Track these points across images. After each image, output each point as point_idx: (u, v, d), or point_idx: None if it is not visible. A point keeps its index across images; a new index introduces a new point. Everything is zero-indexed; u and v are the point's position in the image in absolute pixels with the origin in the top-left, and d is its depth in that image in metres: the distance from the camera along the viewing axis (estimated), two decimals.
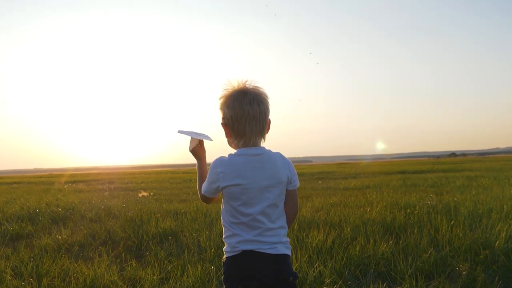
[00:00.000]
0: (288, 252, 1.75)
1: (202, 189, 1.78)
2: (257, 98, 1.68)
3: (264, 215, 1.68)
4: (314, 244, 4.19)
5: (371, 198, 8.01)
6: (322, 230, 4.82)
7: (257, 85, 1.73)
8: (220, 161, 1.69)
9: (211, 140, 1.87)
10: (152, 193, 11.94)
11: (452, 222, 4.92)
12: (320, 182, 15.88)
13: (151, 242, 4.91)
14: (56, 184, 20.61)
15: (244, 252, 1.68)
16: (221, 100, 1.72)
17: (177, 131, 1.85)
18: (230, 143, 1.77)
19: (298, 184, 1.78)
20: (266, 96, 1.72)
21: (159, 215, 6.69)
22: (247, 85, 1.72)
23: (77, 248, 4.81)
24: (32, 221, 6.74)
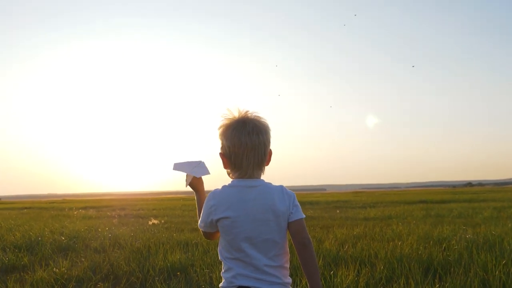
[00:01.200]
0: None
1: (199, 224, 1.68)
2: (256, 128, 1.59)
3: (258, 250, 1.56)
4: (344, 286, 3.60)
5: (398, 230, 7.36)
6: (352, 267, 4.23)
7: (259, 115, 1.64)
8: (213, 193, 1.62)
9: (209, 173, 1.78)
10: (163, 221, 11.41)
11: (505, 261, 4.27)
12: (338, 211, 15.17)
13: (157, 278, 4.36)
14: (66, 210, 20.27)
15: None
16: (220, 130, 1.64)
17: (173, 166, 1.76)
18: (228, 174, 1.66)
19: (301, 215, 1.60)
20: (267, 126, 1.63)
21: (168, 246, 6.15)
22: (248, 115, 1.63)
23: (73, 284, 4.28)
24: (32, 250, 6.25)
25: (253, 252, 1.55)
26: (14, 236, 7.45)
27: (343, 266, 4.29)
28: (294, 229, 1.59)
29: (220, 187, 1.64)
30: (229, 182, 1.63)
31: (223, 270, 1.63)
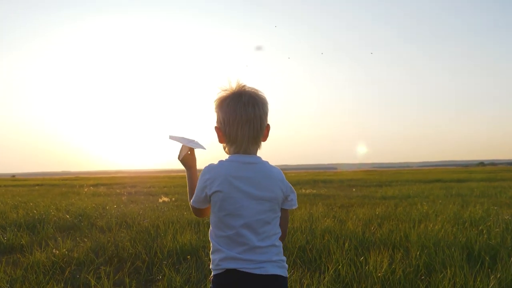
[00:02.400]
0: (281, 272, 1.55)
1: (191, 200, 1.64)
2: (252, 100, 1.54)
3: (250, 230, 1.52)
4: (380, 275, 3.12)
5: (423, 210, 6.84)
6: (384, 252, 3.74)
7: (257, 88, 1.59)
8: (209, 167, 1.56)
9: (204, 149, 1.74)
10: (173, 199, 11.02)
11: None
12: (354, 189, 14.68)
13: (165, 262, 3.93)
14: (77, 187, 20.07)
15: (228, 271, 1.53)
16: (216, 102, 1.59)
17: (168, 136, 1.74)
18: (224, 149, 1.62)
19: (296, 205, 1.63)
20: (264, 99, 1.57)
21: (178, 225, 5.72)
22: (245, 88, 1.57)
23: (73, 267, 3.87)
24: (33, 229, 5.87)
25: (244, 231, 1.52)
26: (17, 214, 7.09)
27: (374, 251, 3.81)
28: (285, 216, 1.61)
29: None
30: (226, 157, 1.57)
31: (211, 250, 1.58)
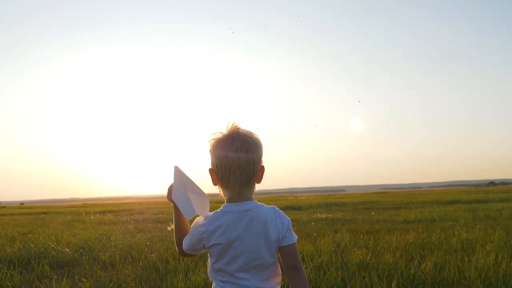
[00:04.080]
0: None
1: (183, 246, 1.61)
2: (245, 145, 1.51)
3: (250, 274, 1.52)
4: None
5: (464, 237, 6.12)
6: None
7: (251, 130, 1.58)
8: (205, 218, 1.55)
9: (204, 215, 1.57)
10: None
11: None
12: (373, 213, 13.93)
13: None
14: (83, 214, 19.47)
15: None
16: (210, 145, 1.57)
17: (172, 197, 1.60)
18: (220, 191, 1.58)
19: (294, 239, 1.56)
20: (257, 142, 1.55)
21: (189, 260, 5.06)
22: (238, 130, 1.55)
23: None
24: (28, 266, 5.25)
25: (245, 275, 1.52)
26: (12, 248, 6.47)
27: None
28: (286, 253, 1.56)
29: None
30: (221, 206, 1.57)
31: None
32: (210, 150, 1.57)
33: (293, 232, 1.57)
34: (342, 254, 4.83)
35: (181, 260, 4.97)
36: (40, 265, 5.18)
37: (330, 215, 13.48)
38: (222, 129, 1.57)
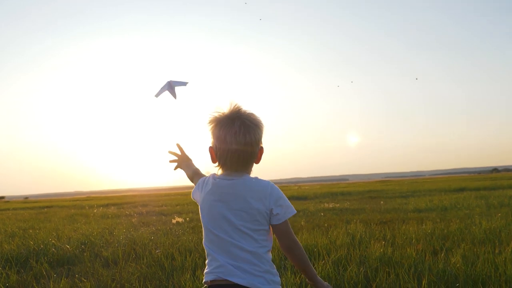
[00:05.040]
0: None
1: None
2: (244, 128, 1.55)
3: (229, 236, 1.57)
4: None
5: (487, 227, 5.78)
6: None
7: (252, 111, 1.61)
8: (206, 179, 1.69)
9: (185, 84, 1.86)
10: (187, 219, 10.06)
11: None
12: (382, 202, 13.61)
13: None
14: (86, 208, 19.24)
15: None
16: (209, 124, 1.61)
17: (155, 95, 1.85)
18: (218, 168, 1.67)
19: (284, 217, 1.57)
20: (257, 124, 1.58)
21: (197, 255, 4.75)
22: (239, 111, 1.57)
23: None
24: (26, 264, 4.96)
25: (222, 234, 1.57)
26: (10, 245, 6.18)
27: None
28: (279, 233, 1.58)
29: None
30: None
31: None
32: (210, 130, 1.60)
33: (287, 209, 1.57)
34: (359, 248, 4.52)
35: (187, 256, 4.67)
36: (38, 263, 4.90)
37: (338, 205, 13.19)
38: (223, 109, 1.59)
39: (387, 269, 3.51)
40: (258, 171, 1.69)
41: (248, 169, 1.61)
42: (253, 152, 1.58)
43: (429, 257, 3.86)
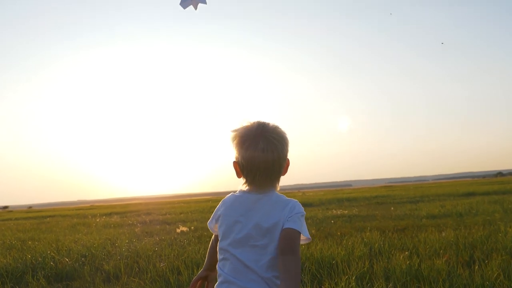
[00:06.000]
0: None
1: (208, 224, 1.75)
2: (271, 146, 1.52)
3: (241, 249, 1.52)
4: None
5: None
6: None
7: (277, 125, 1.58)
8: (227, 195, 1.65)
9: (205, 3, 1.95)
10: (192, 227, 9.71)
11: None
12: (392, 208, 13.23)
13: None
14: (89, 217, 18.91)
15: None
16: (234, 139, 1.57)
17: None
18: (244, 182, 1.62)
19: (296, 226, 1.49)
20: (283, 140, 1.56)
21: None
22: (264, 127, 1.54)
23: None
24: (21, 281, 4.63)
25: (232, 248, 1.53)
26: (6, 259, 5.84)
27: None
28: (284, 235, 1.50)
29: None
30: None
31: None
32: (235, 146, 1.56)
33: (303, 223, 1.52)
34: (381, 259, 4.16)
35: (195, 270, 4.33)
36: (35, 278, 4.56)
37: (346, 211, 12.83)
38: (245, 123, 1.56)
39: (417, 284, 3.16)
40: None
41: (274, 184, 1.59)
42: (280, 168, 1.57)
43: (461, 270, 3.50)
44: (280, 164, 1.56)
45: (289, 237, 1.48)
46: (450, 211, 10.52)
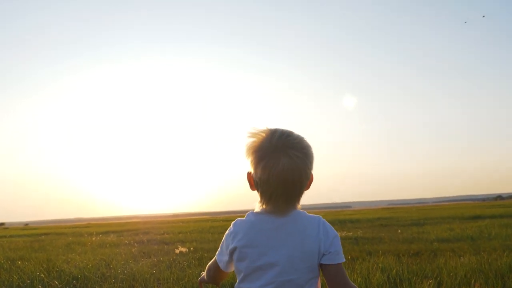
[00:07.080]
0: None
1: (217, 258, 1.43)
2: (293, 164, 1.28)
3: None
4: None
5: None
6: None
7: (301, 136, 1.36)
8: (235, 221, 1.38)
9: None
10: (192, 248, 9.27)
11: None
12: (399, 231, 12.80)
13: None
14: (85, 235, 18.40)
15: None
16: (249, 151, 1.33)
17: None
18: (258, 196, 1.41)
19: (340, 259, 1.32)
20: (307, 154, 1.33)
21: None
22: (286, 141, 1.29)
23: None
24: None
25: None
26: None
27: None
28: (332, 273, 1.30)
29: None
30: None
31: None
32: (252, 160, 1.33)
33: (341, 252, 1.34)
34: None
35: None
36: None
37: (350, 233, 12.43)
38: (263, 130, 1.33)
39: None
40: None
41: (295, 204, 1.37)
42: (302, 188, 1.35)
43: None
44: (302, 183, 1.34)
45: (338, 275, 1.32)
46: (461, 235, 10.11)
